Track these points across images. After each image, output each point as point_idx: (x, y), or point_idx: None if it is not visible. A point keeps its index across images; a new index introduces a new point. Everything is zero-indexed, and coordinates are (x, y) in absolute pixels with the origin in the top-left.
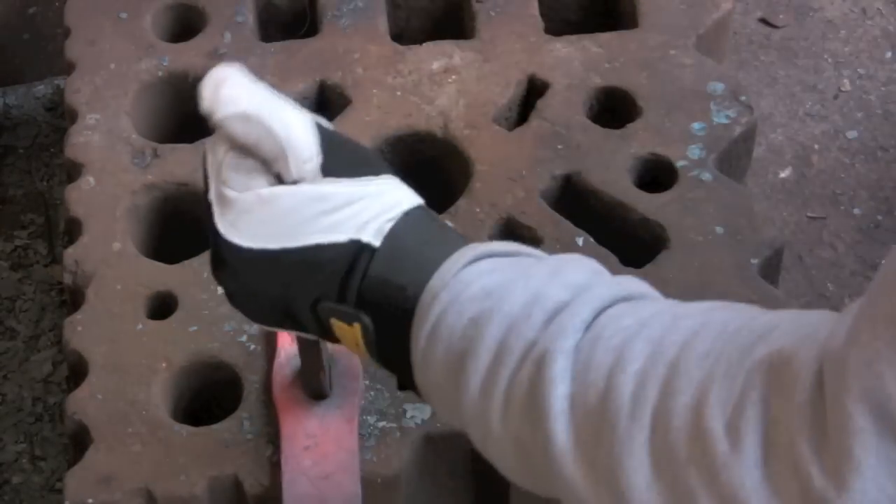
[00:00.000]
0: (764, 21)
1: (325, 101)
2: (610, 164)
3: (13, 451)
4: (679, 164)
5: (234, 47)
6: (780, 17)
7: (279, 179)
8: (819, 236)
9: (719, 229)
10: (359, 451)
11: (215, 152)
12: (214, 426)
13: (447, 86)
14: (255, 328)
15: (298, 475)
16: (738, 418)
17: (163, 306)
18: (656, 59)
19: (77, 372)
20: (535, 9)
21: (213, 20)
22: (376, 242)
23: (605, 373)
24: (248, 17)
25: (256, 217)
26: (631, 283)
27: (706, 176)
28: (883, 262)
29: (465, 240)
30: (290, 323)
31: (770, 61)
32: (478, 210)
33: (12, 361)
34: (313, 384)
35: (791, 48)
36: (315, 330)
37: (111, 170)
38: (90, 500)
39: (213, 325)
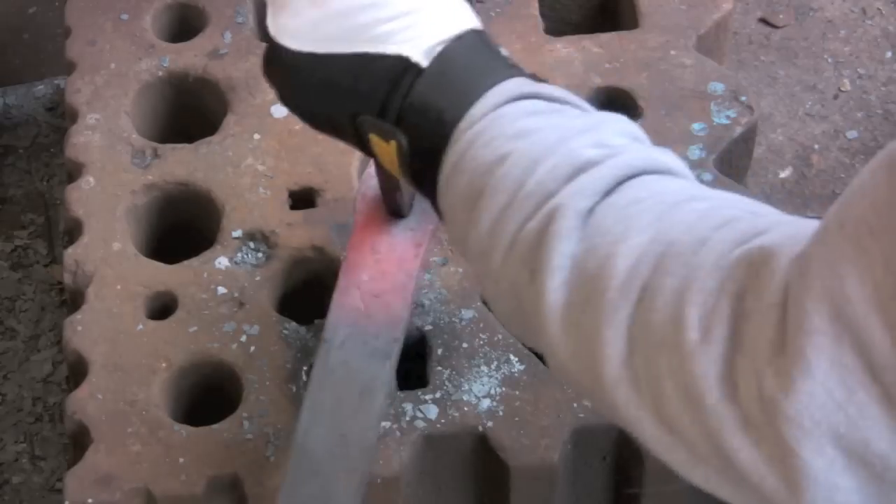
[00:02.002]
0: (764, 21)
1: None
2: None
3: (13, 451)
4: None
5: (234, 47)
6: (780, 17)
7: None
8: None
9: None
10: (419, 278)
11: None
12: (214, 426)
13: None
14: (255, 329)
15: (352, 287)
16: (713, 310)
17: (163, 306)
18: (656, 59)
19: (77, 372)
20: (535, 9)
21: (214, 20)
22: (424, 63)
23: (610, 240)
24: (249, 17)
25: (308, 18)
26: (664, 155)
27: (706, 176)
28: (861, 169)
29: (516, 71)
30: (334, 130)
31: (770, 61)
32: None
33: (12, 361)
34: (391, 202)
35: (791, 48)
36: (354, 141)
37: (111, 170)
38: (90, 500)
39: (213, 325)
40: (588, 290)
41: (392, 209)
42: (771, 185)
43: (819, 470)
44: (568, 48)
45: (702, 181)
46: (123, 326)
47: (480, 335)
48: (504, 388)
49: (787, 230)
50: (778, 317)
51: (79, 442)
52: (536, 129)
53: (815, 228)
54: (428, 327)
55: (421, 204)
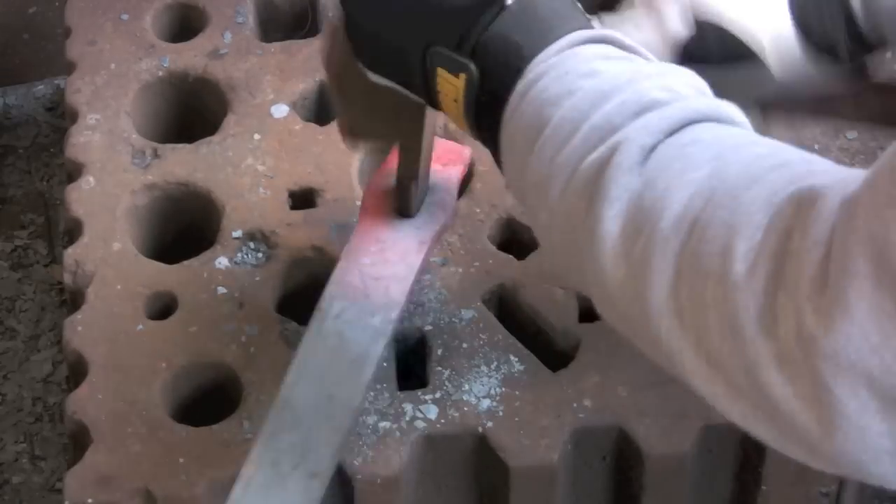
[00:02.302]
0: None
1: (325, 102)
2: None
3: (13, 451)
4: None
5: (234, 47)
6: None
7: None
8: None
9: None
10: (419, 274)
11: None
12: (214, 426)
13: None
14: (255, 329)
15: (353, 266)
16: (760, 245)
17: (163, 306)
18: None
19: (77, 372)
20: None
21: (214, 20)
22: (508, 0)
23: (669, 176)
24: (249, 17)
25: None
26: (729, 107)
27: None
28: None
29: (590, 19)
30: (399, 66)
31: None
32: (478, 210)
33: (12, 361)
34: (402, 198)
35: None
36: (419, 77)
37: (111, 170)
38: (90, 500)
39: (213, 325)
40: (643, 221)
41: (402, 205)
42: None
43: (852, 410)
44: None
45: None
46: (123, 326)
47: (480, 335)
48: (504, 388)
49: (839, 175)
50: (822, 256)
51: (79, 442)
52: (607, 70)
53: (866, 174)
54: (428, 327)
55: (428, 207)
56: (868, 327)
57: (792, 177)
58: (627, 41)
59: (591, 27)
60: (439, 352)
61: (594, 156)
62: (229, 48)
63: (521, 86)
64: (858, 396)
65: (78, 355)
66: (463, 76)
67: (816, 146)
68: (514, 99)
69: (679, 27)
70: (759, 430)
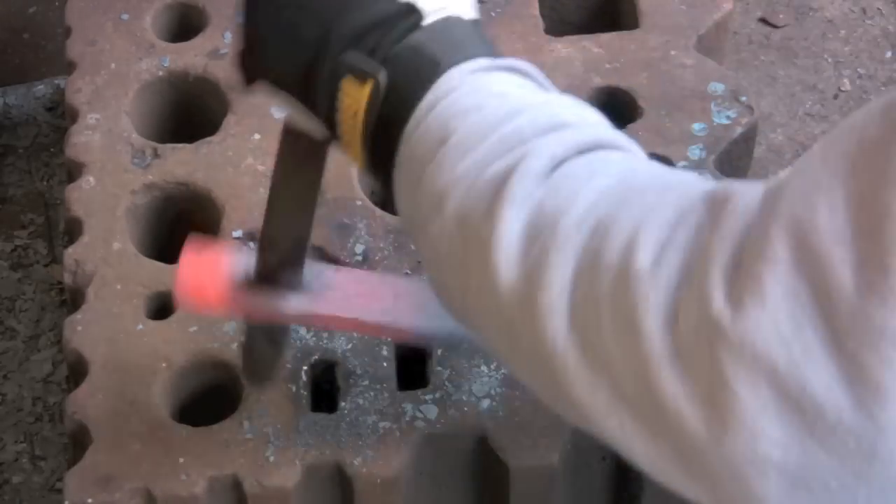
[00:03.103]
0: (764, 21)
1: None
2: None
3: (13, 451)
4: (680, 164)
5: (234, 47)
6: (780, 16)
7: None
8: None
9: None
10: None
11: None
12: (214, 426)
13: None
14: None
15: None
16: (670, 239)
17: (163, 306)
18: (657, 59)
19: (77, 372)
20: (535, 9)
21: (214, 20)
22: (429, 15)
23: (574, 183)
24: None
25: None
26: (635, 144)
27: (706, 176)
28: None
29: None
30: (303, 73)
31: (770, 61)
32: None
33: (12, 361)
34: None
35: (791, 48)
36: (324, 87)
37: (111, 169)
38: (90, 500)
39: (213, 325)
40: (544, 223)
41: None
42: None
43: (749, 409)
44: (568, 48)
45: None
46: (123, 326)
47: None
48: (504, 388)
49: (753, 183)
50: (734, 246)
51: (79, 442)
52: (520, 93)
53: (794, 164)
54: None
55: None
56: (780, 316)
57: (704, 183)
58: (540, 76)
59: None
60: (439, 352)
61: (500, 162)
62: (229, 48)
63: (429, 97)
64: (758, 394)
65: (78, 355)
66: (369, 86)
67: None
68: (419, 112)
69: None
70: (637, 445)
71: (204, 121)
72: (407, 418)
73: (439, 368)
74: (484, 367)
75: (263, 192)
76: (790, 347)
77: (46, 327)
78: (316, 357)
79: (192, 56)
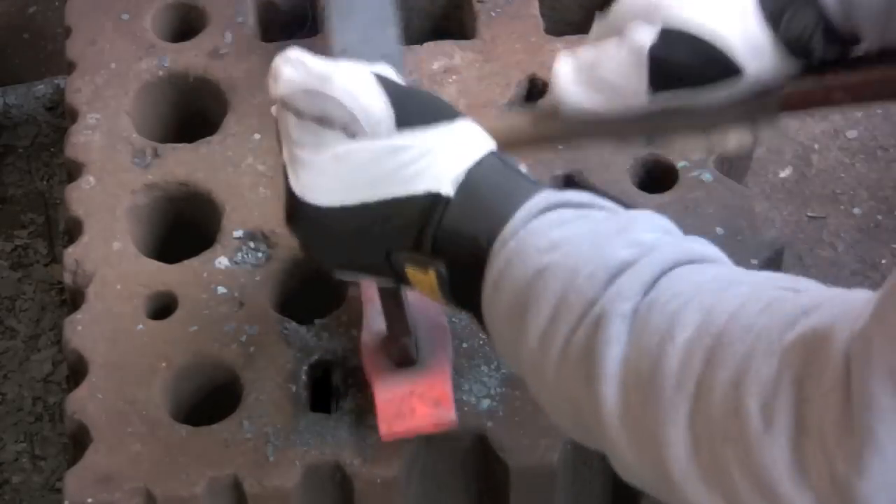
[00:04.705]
0: None
1: None
2: (610, 165)
3: (13, 450)
4: (679, 164)
5: (234, 47)
6: None
7: (353, 137)
8: (819, 236)
9: (719, 230)
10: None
11: (285, 120)
12: (214, 426)
13: (448, 86)
14: (255, 329)
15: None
16: (773, 398)
17: (163, 306)
18: None
19: (77, 372)
20: (535, 9)
21: (214, 20)
22: (451, 192)
23: (658, 340)
24: (249, 17)
25: (333, 175)
26: (696, 243)
27: (706, 176)
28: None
29: (537, 185)
30: (366, 271)
31: None
32: None
33: (12, 361)
34: (399, 350)
35: None
36: (390, 278)
37: (111, 169)
38: (90, 500)
39: (213, 325)
40: (644, 392)
41: (400, 358)
42: (771, 184)
43: None
44: (568, 48)
45: (702, 181)
46: (123, 326)
47: (480, 335)
48: (504, 388)
49: (835, 308)
50: (841, 398)
51: (79, 442)
52: (568, 238)
53: (866, 303)
54: None
55: (425, 346)
56: None
57: (783, 319)
58: (581, 196)
59: (538, 190)
60: None
61: (579, 334)
62: (229, 48)
63: (490, 276)
64: None
65: (78, 355)
66: (432, 272)
67: (816, 146)
68: (487, 289)
69: (647, 39)
70: None
71: (204, 121)
72: None
73: None
74: (484, 367)
75: (263, 192)
76: None
77: (46, 327)
78: (316, 357)
79: (192, 56)
